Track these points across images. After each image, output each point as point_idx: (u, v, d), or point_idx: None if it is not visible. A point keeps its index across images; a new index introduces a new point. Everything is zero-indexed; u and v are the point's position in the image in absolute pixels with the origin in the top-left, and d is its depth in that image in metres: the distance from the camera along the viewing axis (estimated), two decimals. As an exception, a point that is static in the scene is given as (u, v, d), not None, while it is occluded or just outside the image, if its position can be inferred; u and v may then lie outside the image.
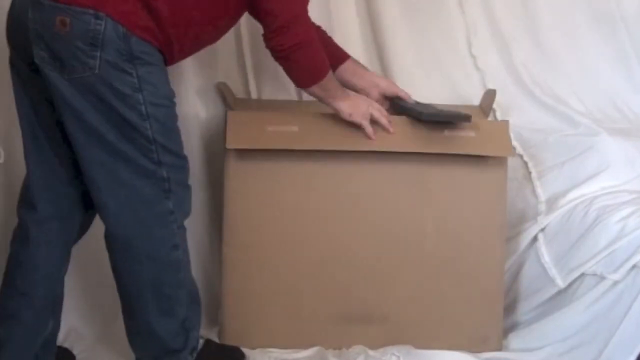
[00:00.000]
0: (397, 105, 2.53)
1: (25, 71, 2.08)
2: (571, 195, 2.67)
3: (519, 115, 2.89)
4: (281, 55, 2.19)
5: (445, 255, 2.49)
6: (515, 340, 2.54)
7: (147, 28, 2.00)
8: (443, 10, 2.96)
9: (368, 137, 2.38)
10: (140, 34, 1.98)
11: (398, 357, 2.31)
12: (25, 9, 2.00)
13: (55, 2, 1.94)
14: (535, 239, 2.66)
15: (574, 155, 2.77)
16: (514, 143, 2.79)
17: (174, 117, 2.11)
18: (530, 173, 2.77)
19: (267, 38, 2.19)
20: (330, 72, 2.29)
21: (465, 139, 2.43)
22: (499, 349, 2.49)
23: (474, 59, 2.97)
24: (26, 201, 2.20)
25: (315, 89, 2.28)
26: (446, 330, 2.50)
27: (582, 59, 3.02)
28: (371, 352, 2.42)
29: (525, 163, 2.79)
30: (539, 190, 2.73)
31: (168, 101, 2.08)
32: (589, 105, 2.98)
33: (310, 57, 2.22)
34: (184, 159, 2.15)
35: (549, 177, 2.75)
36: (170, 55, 2.11)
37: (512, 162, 2.73)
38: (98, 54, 1.94)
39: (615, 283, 2.38)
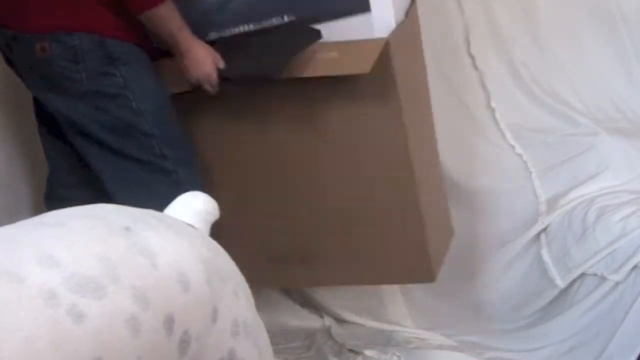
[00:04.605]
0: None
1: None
2: (571, 195, 2.70)
3: (519, 114, 2.92)
4: None
5: (353, 191, 2.37)
6: (517, 340, 2.55)
7: (118, 28, 2.04)
8: (442, 10, 2.98)
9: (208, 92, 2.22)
10: (112, 34, 2.03)
11: (399, 357, 2.34)
12: (8, 46, 2.10)
13: (30, 34, 2.03)
14: (536, 239, 2.68)
15: (574, 155, 2.80)
16: (513, 142, 2.84)
17: (167, 107, 2.13)
18: (530, 173, 2.79)
19: None
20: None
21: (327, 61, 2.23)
22: (432, 278, 2.39)
23: (472, 58, 2.99)
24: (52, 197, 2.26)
25: (157, 14, 2.05)
26: (372, 265, 2.42)
27: (582, 59, 3.05)
28: (368, 353, 2.43)
29: (525, 163, 2.82)
30: (539, 190, 2.76)
31: (157, 92, 2.11)
32: (589, 104, 3.01)
33: None
34: (189, 150, 2.17)
35: (549, 177, 2.78)
36: (147, 39, 2.12)
37: (511, 161, 2.78)
38: (81, 66, 2.02)
39: (617, 284, 2.40)
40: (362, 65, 2.14)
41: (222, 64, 2.15)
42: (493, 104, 2.90)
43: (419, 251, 2.37)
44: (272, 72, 2.17)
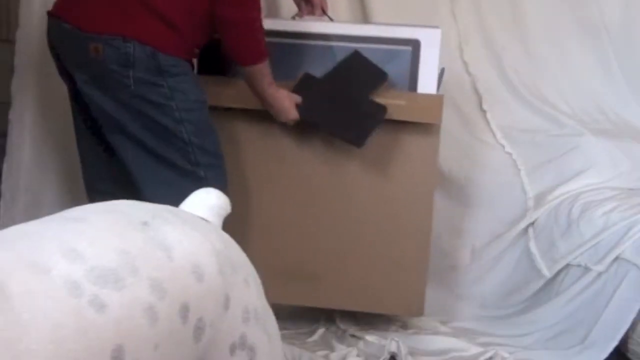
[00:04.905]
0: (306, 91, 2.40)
1: (67, 82, 2.24)
2: (558, 191, 2.75)
3: (508, 116, 2.97)
4: (234, 23, 2.16)
5: (374, 220, 2.49)
6: (507, 327, 2.59)
7: (170, 44, 2.12)
8: (436, 19, 3.00)
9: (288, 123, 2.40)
10: (166, 50, 2.11)
11: (397, 341, 2.35)
12: (60, 38, 2.16)
13: (86, 32, 2.09)
14: (524, 232, 2.74)
15: (560, 154, 2.85)
16: (503, 142, 2.88)
17: (206, 117, 2.21)
18: (519, 170, 2.84)
19: (221, 7, 2.14)
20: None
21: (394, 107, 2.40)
22: (421, 313, 2.50)
23: (465, 64, 3.04)
24: (93, 190, 2.32)
25: (255, 69, 2.24)
26: (370, 293, 2.50)
27: (567, 65, 3.09)
28: (369, 338, 2.46)
29: (514, 161, 2.87)
30: (528, 187, 2.81)
31: (199, 104, 2.18)
32: (574, 107, 3.05)
33: (257, 34, 2.21)
34: (220, 157, 2.23)
35: (537, 174, 2.83)
36: (193, 54, 2.25)
37: (501, 159, 2.82)
38: (131, 73, 2.08)
39: (599, 274, 2.45)
40: (434, 116, 2.40)
41: (299, 101, 2.34)
42: (485, 106, 2.94)
43: (418, 289, 2.48)
44: (357, 143, 2.38)
